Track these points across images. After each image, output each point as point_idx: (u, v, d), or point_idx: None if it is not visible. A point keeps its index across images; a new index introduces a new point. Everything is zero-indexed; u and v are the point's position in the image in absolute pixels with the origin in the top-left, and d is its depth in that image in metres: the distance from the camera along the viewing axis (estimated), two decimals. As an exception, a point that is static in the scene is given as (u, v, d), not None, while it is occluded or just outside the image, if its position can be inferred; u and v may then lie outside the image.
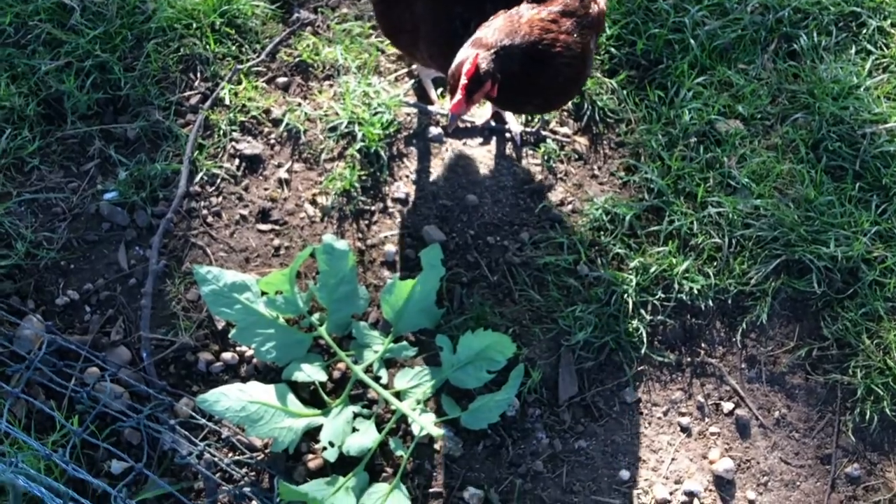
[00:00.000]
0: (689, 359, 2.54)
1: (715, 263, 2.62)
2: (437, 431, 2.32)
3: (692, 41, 2.92)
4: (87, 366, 2.44)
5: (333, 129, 2.84)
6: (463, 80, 2.04)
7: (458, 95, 2.06)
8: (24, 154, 2.71)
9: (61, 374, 2.43)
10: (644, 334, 2.51)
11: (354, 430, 2.38)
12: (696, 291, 2.56)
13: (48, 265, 2.58)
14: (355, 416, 2.41)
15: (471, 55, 2.07)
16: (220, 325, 2.54)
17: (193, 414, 2.40)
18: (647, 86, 2.90)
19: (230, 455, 2.38)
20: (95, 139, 2.78)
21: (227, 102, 2.87)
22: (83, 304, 2.56)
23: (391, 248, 2.68)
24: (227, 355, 2.52)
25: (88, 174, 2.74)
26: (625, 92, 2.90)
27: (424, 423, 2.32)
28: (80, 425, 2.28)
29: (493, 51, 2.08)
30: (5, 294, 2.53)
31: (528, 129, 2.86)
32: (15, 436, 2.09)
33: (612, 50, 2.96)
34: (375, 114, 2.83)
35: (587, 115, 2.89)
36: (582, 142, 2.88)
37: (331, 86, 2.95)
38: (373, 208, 2.75)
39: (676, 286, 2.57)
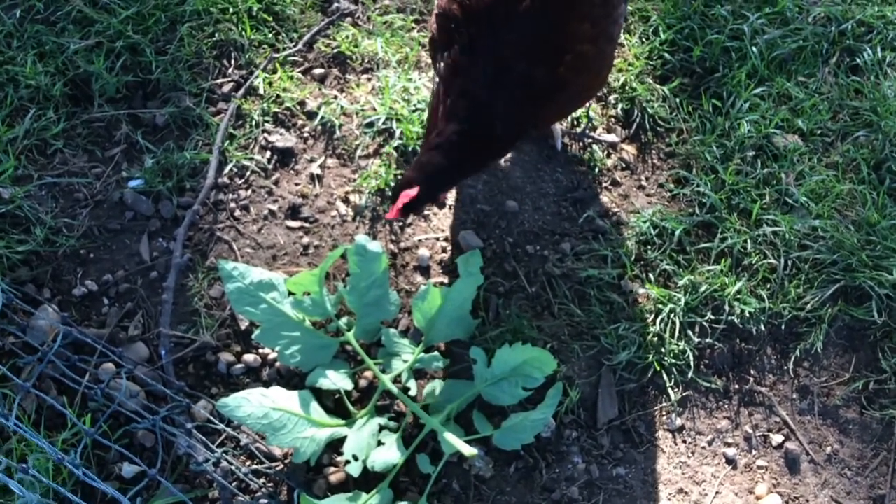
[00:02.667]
0: (737, 386, 2.39)
1: (769, 286, 2.47)
2: (469, 450, 2.17)
3: (751, 50, 2.78)
4: (103, 361, 2.33)
5: (370, 124, 2.71)
6: (398, 205, 2.06)
7: (395, 211, 2.07)
8: (48, 136, 2.59)
9: (75, 368, 2.32)
10: (691, 357, 2.36)
11: (380, 443, 2.25)
12: (747, 314, 2.42)
13: (67, 253, 2.47)
14: (381, 428, 2.28)
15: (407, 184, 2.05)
16: (244, 324, 2.42)
17: (211, 418, 2.27)
18: (702, 94, 2.75)
19: (248, 463, 2.26)
20: (123, 124, 2.66)
21: (260, 92, 2.75)
22: (101, 295, 2.45)
23: (425, 252, 2.55)
24: (249, 357, 2.40)
25: (114, 160, 2.63)
26: (677, 100, 2.76)
27: (455, 441, 2.18)
28: (93, 424, 2.17)
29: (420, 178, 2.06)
30: (21, 281, 2.42)
31: (573, 132, 2.72)
32: (23, 433, 1.98)
33: (666, 55, 2.81)
34: (415, 110, 2.70)
35: (636, 123, 2.75)
36: (630, 150, 2.74)
37: (369, 79, 2.82)
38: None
39: (727, 308, 2.42)
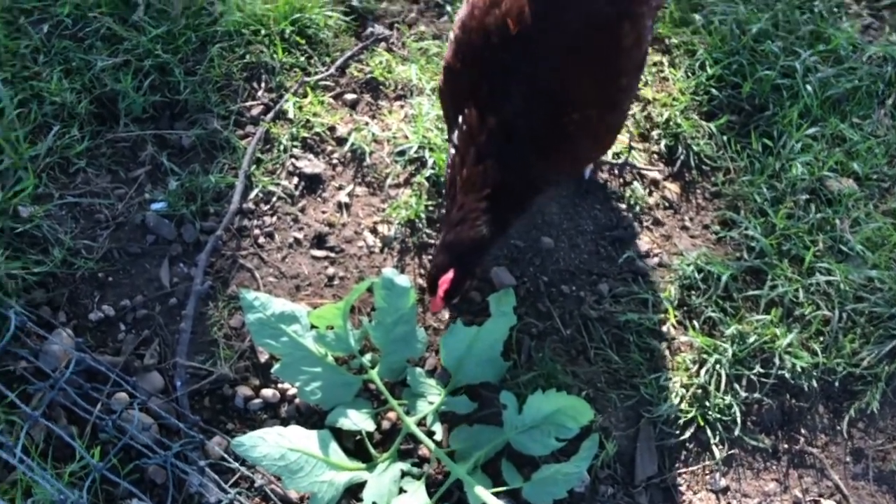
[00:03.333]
0: (786, 446, 2.23)
1: (822, 339, 2.32)
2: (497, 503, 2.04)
3: (803, 88, 2.65)
4: (116, 390, 2.22)
5: (402, 153, 2.61)
6: (440, 294, 2.05)
7: (438, 301, 2.07)
8: (71, 154, 2.52)
9: (87, 397, 2.22)
10: (737, 413, 2.21)
11: (402, 490, 2.12)
12: (799, 369, 2.26)
13: (85, 276, 2.38)
14: (404, 474, 2.15)
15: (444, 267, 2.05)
16: (264, 357, 2.31)
17: (226, 455, 2.15)
18: (751, 133, 2.63)
19: (262, 507, 2.13)
20: (148, 144, 2.58)
21: (290, 116, 2.67)
22: (118, 321, 2.35)
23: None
24: (267, 392, 2.28)
25: (137, 181, 2.54)
26: (724, 137, 2.64)
27: (484, 495, 2.04)
28: (103, 457, 2.06)
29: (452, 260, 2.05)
30: (36, 304, 2.33)
31: (614, 162, 2.60)
32: (25, 471, 1.87)
33: (713, 91, 2.70)
34: (448, 140, 2.60)
35: (680, 160, 2.63)
36: (673, 188, 2.61)
37: (402, 107, 2.73)
38: (438, 242, 2.50)
39: (777, 361, 2.27)
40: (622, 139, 2.64)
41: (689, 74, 2.75)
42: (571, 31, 1.99)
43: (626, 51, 2.05)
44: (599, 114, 2.09)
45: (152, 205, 2.50)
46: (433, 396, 2.23)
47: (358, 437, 2.20)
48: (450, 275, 2.03)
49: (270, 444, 2.04)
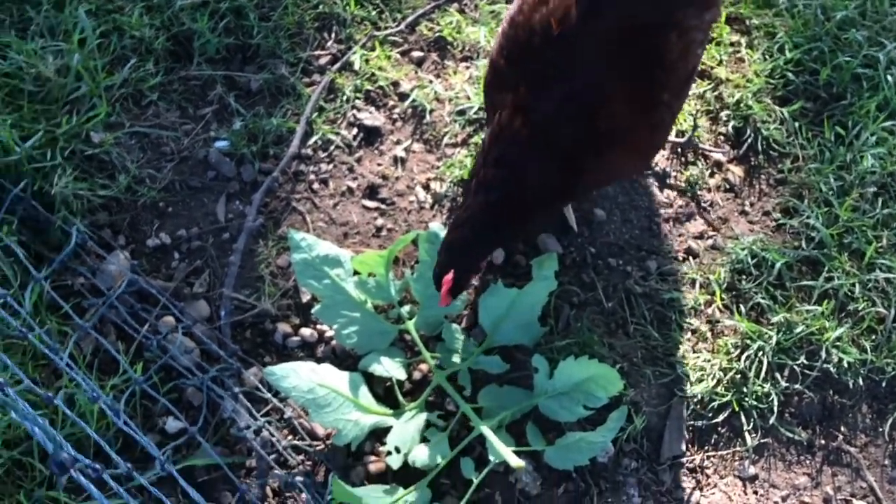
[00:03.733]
0: (822, 441, 2.16)
1: (874, 337, 2.23)
2: (517, 462, 2.03)
3: (885, 79, 2.53)
4: (164, 313, 2.31)
5: (462, 112, 2.62)
6: (444, 292, 2.05)
7: (444, 297, 2.06)
8: (145, 87, 2.62)
9: (136, 317, 2.32)
10: (775, 402, 2.14)
11: (425, 440, 2.14)
12: (846, 365, 2.18)
13: (146, 204, 2.48)
14: (428, 425, 2.17)
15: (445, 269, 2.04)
16: (305, 297, 2.36)
17: (260, 386, 2.22)
18: (825, 121, 2.53)
19: (289, 438, 2.19)
20: (218, 84, 2.66)
21: (356, 68, 2.70)
22: (173, 249, 2.44)
23: (500, 252, 2.42)
24: (306, 331, 2.33)
25: (204, 118, 2.62)
26: (796, 124, 2.54)
27: (503, 450, 2.04)
28: (144, 373, 2.14)
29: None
30: (99, 225, 2.44)
31: (678, 140, 2.54)
32: (67, 370, 1.97)
33: (790, 75, 2.60)
34: (510, 104, 2.59)
35: (747, 143, 2.55)
36: (736, 172, 2.54)
37: (467, 67, 2.73)
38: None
39: (823, 354, 2.19)
40: (686, 115, 2.58)
41: (767, 57, 2.66)
42: (614, 39, 1.89)
43: (670, 64, 1.94)
44: (635, 129, 1.98)
45: (216, 142, 2.57)
46: (466, 354, 2.24)
47: (388, 384, 2.23)
48: (450, 275, 2.01)
49: (302, 376, 2.09)
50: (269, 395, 2.22)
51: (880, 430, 2.17)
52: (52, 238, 2.37)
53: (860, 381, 2.19)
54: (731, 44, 2.73)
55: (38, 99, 2.50)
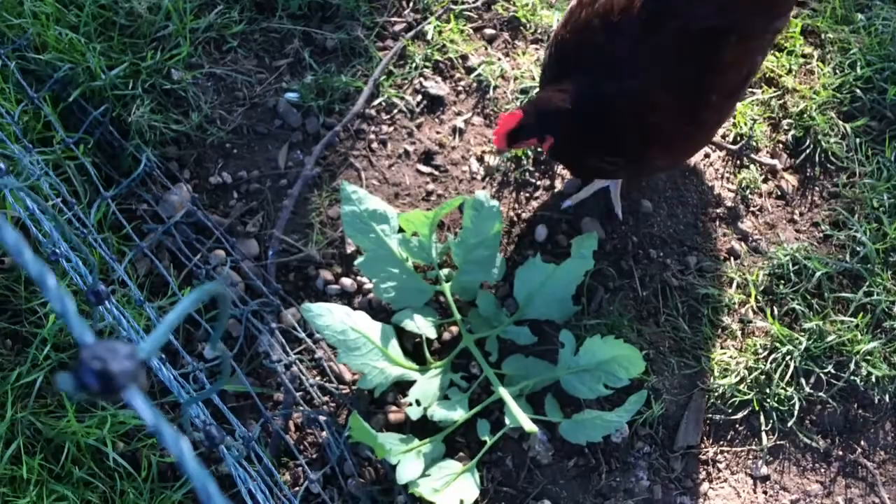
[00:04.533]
0: (840, 452, 2.15)
1: (907, 356, 2.21)
2: (531, 426, 2.08)
3: (957, 105, 2.49)
4: (217, 247, 2.44)
5: (525, 91, 2.67)
6: (500, 129, 2.00)
7: (496, 138, 2.02)
8: (227, 33, 2.75)
9: (190, 246, 2.45)
10: (797, 407, 2.14)
11: (446, 397, 2.21)
12: (874, 379, 2.16)
13: (214, 143, 2.60)
14: (451, 384, 2.23)
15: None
16: (350, 249, 2.45)
17: (296, 326, 2.32)
18: (886, 141, 2.50)
19: (317, 378, 2.28)
20: (296, 39, 2.77)
21: (428, 38, 2.78)
22: (233, 188, 2.56)
23: (543, 229, 2.47)
24: (346, 281, 2.42)
25: (278, 70, 2.74)
26: (857, 140, 2.52)
27: (519, 415, 2.10)
28: (190, 299, 2.26)
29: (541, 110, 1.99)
30: (167, 157, 2.57)
31: (731, 147, 2.55)
32: (128, 282, 2.10)
33: (857, 91, 2.58)
34: (572, 88, 2.63)
35: (805, 154, 2.54)
36: (790, 180, 2.53)
37: (536, 49, 2.78)
38: (539, 183, 2.55)
39: (852, 366, 2.18)
40: (748, 119, 2.58)
41: (837, 71, 2.64)
42: (670, 32, 1.89)
43: (723, 66, 1.92)
44: (677, 126, 1.97)
45: (286, 93, 2.69)
46: (497, 322, 2.30)
47: (417, 341, 2.30)
48: (516, 117, 1.97)
49: (336, 317, 2.18)
50: (303, 335, 2.32)
51: (902, 450, 2.15)
52: (123, 164, 2.52)
53: (886, 398, 2.17)
54: (804, 55, 2.72)
55: (128, 33, 2.65)
